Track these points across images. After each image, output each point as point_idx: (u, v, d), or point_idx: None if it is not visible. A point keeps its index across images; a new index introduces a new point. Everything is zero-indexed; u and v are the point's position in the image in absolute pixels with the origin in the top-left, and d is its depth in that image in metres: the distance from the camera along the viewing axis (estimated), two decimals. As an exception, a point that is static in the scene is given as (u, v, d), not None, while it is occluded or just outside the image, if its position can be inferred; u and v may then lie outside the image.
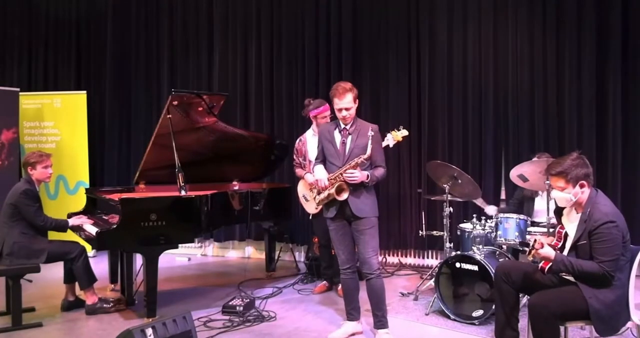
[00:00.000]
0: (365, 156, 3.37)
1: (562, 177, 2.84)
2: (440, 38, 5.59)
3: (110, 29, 6.85)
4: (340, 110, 3.48)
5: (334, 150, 3.55)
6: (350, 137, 3.50)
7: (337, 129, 3.57)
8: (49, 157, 4.28)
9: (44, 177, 4.25)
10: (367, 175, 3.42)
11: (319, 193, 3.56)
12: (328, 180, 3.48)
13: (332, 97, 3.51)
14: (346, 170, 3.39)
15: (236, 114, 6.27)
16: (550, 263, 2.96)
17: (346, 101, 3.44)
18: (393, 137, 4.38)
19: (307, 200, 4.71)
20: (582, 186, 2.83)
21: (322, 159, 3.64)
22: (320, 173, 3.54)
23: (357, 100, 3.52)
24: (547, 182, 3.88)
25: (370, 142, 3.38)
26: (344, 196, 3.43)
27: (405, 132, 4.29)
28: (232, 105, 6.16)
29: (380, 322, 3.55)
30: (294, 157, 4.80)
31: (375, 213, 3.54)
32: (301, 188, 4.76)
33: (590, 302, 2.72)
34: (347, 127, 3.53)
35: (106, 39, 6.87)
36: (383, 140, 4.03)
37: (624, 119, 5.05)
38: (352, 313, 3.67)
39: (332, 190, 3.44)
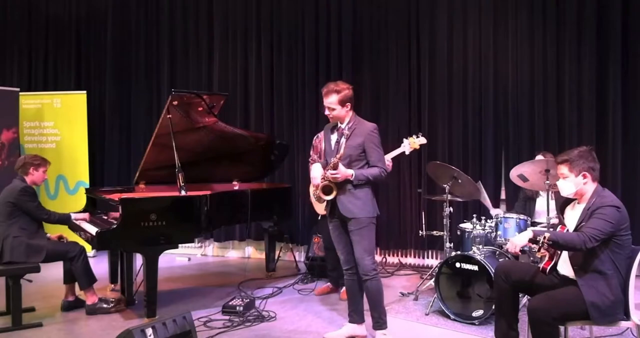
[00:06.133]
0: (338, 156, 3.31)
1: (566, 164, 2.92)
2: (440, 38, 5.59)
3: (110, 29, 6.85)
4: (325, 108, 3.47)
5: (329, 149, 3.53)
6: (343, 136, 3.43)
7: (334, 128, 3.55)
8: (48, 163, 4.43)
9: (40, 180, 4.34)
10: (351, 174, 3.32)
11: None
12: (321, 179, 3.43)
13: None
14: (327, 170, 3.36)
15: (236, 114, 6.27)
16: (551, 264, 2.97)
17: (328, 101, 3.40)
18: (410, 144, 4.29)
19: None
20: (584, 177, 2.89)
21: (324, 158, 3.61)
22: (314, 172, 3.52)
23: (349, 104, 3.40)
24: (547, 182, 3.90)
25: (343, 142, 3.35)
26: (331, 197, 3.37)
27: (423, 140, 4.18)
28: (232, 105, 6.16)
29: (377, 323, 3.52)
30: (311, 152, 4.72)
31: (367, 214, 3.40)
32: (313, 188, 4.72)
33: (583, 289, 2.74)
34: (343, 126, 3.46)
35: (106, 38, 6.87)
36: (390, 144, 3.96)
37: (624, 119, 5.05)
38: (353, 316, 3.64)
39: (319, 191, 3.41)
